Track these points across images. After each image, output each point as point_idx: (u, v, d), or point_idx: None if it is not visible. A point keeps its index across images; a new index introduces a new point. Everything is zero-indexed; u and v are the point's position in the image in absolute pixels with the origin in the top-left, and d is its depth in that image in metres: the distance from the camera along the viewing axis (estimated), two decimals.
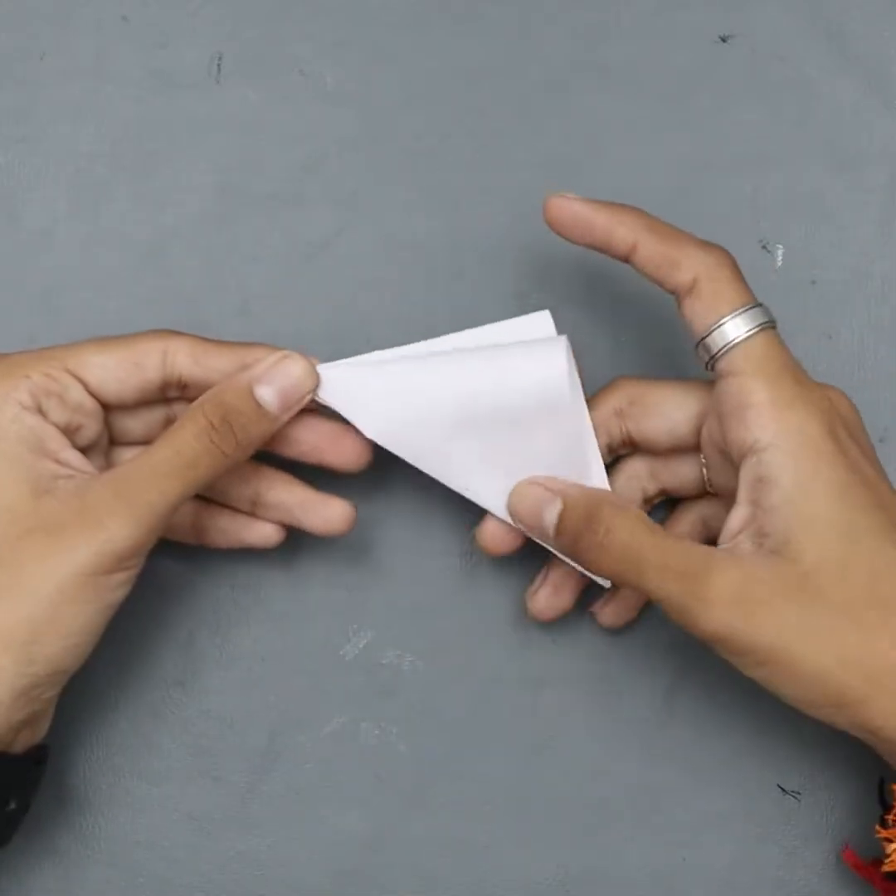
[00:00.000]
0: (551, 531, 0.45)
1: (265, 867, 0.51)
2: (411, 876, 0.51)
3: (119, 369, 0.45)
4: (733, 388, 0.44)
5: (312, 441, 0.47)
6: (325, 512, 0.47)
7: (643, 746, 0.51)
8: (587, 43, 0.54)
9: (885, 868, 0.44)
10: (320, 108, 0.53)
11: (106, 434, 0.47)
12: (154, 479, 0.43)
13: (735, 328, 0.44)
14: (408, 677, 0.51)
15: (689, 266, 0.44)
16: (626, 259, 0.45)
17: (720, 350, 0.44)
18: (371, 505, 0.51)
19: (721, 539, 0.44)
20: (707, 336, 0.44)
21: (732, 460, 0.44)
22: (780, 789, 0.51)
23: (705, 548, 0.43)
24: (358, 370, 0.46)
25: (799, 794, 0.51)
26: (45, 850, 0.50)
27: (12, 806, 0.44)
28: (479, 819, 0.51)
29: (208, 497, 0.49)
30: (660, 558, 0.43)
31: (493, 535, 0.47)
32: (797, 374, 0.44)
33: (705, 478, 0.47)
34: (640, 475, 0.49)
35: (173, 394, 0.46)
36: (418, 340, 0.52)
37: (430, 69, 0.54)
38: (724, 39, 0.54)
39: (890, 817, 0.44)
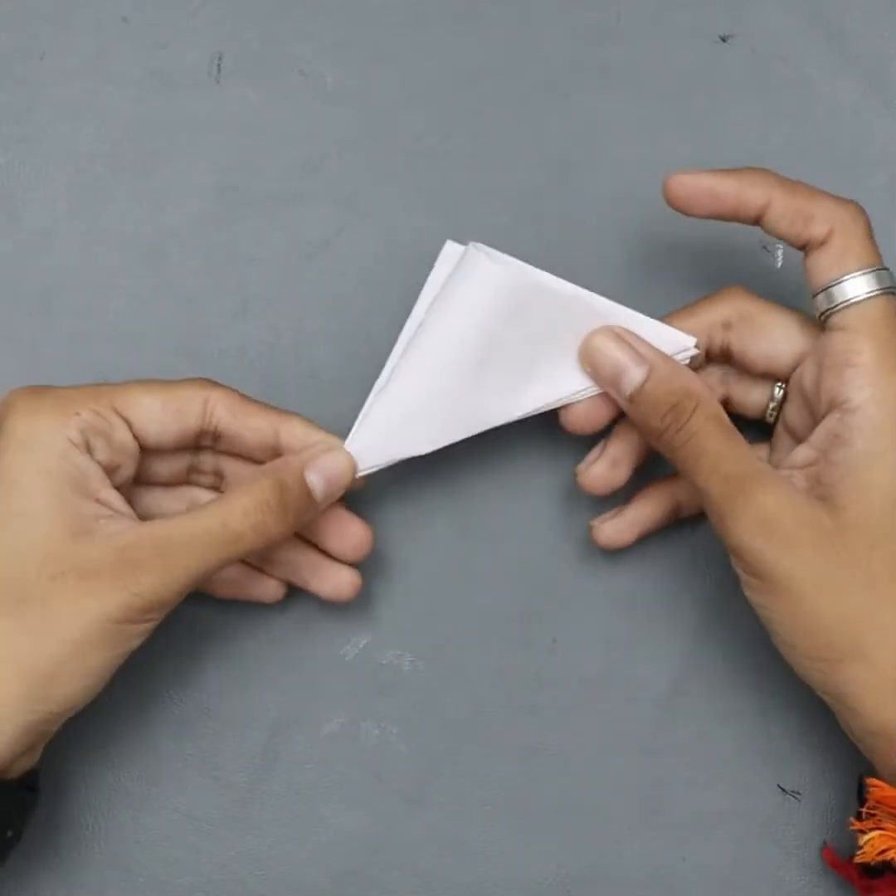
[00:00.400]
0: (626, 395, 0.45)
1: (265, 867, 0.51)
2: (411, 876, 0.51)
3: (163, 413, 0.45)
4: (841, 345, 0.44)
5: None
6: (335, 579, 0.48)
7: (643, 746, 0.51)
8: (587, 43, 0.54)
9: (858, 859, 0.44)
10: (320, 108, 0.53)
11: (134, 474, 0.47)
12: (196, 546, 0.43)
13: (857, 287, 0.44)
14: (408, 677, 0.51)
15: (824, 218, 0.44)
16: (756, 221, 0.45)
17: (838, 305, 0.44)
18: (371, 505, 0.51)
19: (781, 466, 0.45)
20: (829, 287, 0.44)
21: (816, 409, 0.44)
22: (780, 789, 0.51)
23: (762, 464, 0.44)
24: (366, 424, 0.47)
25: (799, 794, 0.51)
26: (45, 850, 0.50)
27: (9, 833, 0.44)
28: (479, 819, 0.51)
29: None
30: (717, 454, 0.43)
31: (578, 416, 0.47)
32: None
33: (770, 409, 0.48)
34: (712, 375, 0.49)
35: (206, 443, 0.47)
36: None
37: (430, 69, 0.54)
38: (724, 39, 0.54)
39: (863, 810, 0.44)
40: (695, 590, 0.52)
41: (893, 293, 0.44)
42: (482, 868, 0.51)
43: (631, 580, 0.52)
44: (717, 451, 0.44)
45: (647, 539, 0.51)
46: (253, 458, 0.47)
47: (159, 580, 0.42)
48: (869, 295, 0.43)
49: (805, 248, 0.45)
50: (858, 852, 0.44)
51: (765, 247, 0.53)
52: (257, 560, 0.49)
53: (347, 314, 0.53)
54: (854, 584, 0.42)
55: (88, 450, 0.44)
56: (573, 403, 0.47)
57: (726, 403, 0.49)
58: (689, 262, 0.53)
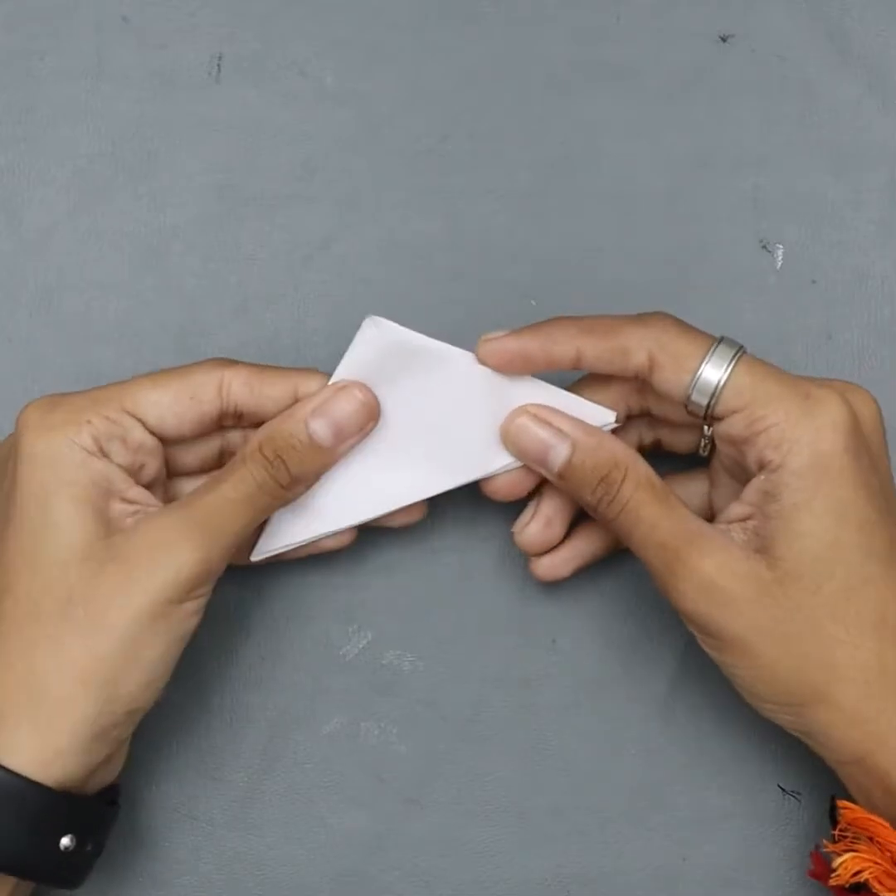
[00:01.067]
0: (554, 472, 0.45)
1: (265, 867, 0.51)
2: (411, 876, 0.51)
3: (176, 404, 0.45)
4: (741, 423, 0.43)
5: None
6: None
7: (643, 746, 0.51)
8: (587, 43, 0.54)
9: (832, 881, 0.44)
10: (320, 108, 0.53)
11: (164, 468, 0.47)
12: (220, 506, 0.44)
13: (713, 371, 0.43)
14: (408, 677, 0.51)
15: (637, 347, 0.44)
16: (576, 368, 0.45)
17: (713, 398, 0.43)
18: None
19: (718, 519, 0.45)
20: (692, 394, 0.44)
21: (744, 466, 0.44)
22: (780, 789, 0.51)
23: (697, 524, 0.44)
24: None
25: (799, 794, 0.51)
26: None
27: (89, 847, 0.44)
28: (479, 819, 0.51)
29: None
30: (650, 523, 0.43)
31: (502, 488, 0.47)
32: (801, 386, 0.43)
33: (702, 446, 0.47)
34: (639, 422, 0.48)
35: (229, 423, 0.47)
36: None
37: (430, 69, 0.54)
38: (724, 39, 0.54)
39: (836, 832, 0.44)
40: None
41: (744, 351, 0.44)
42: (482, 868, 0.51)
43: (631, 580, 0.52)
44: (650, 520, 0.43)
45: None
46: None
47: (194, 547, 0.43)
48: (729, 368, 0.43)
49: (639, 378, 0.45)
50: (833, 875, 0.44)
51: (765, 247, 0.53)
52: None
53: (347, 314, 0.52)
54: (801, 632, 0.42)
55: (105, 455, 0.44)
56: (496, 475, 0.47)
57: (658, 446, 0.49)
58: (689, 262, 0.53)
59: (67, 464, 0.43)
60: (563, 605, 0.51)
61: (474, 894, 0.50)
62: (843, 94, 0.54)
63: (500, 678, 0.51)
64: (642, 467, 0.44)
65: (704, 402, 0.44)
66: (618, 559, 0.51)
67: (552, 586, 0.51)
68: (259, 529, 0.47)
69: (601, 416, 0.46)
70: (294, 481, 0.45)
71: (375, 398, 0.46)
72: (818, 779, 0.51)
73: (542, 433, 0.45)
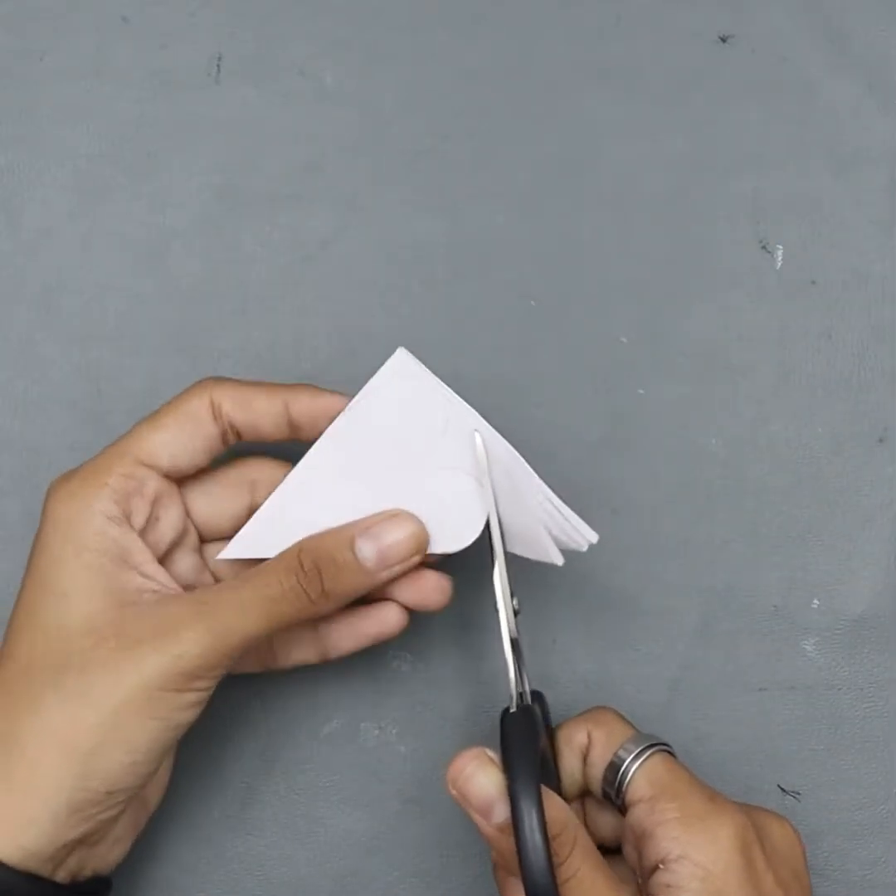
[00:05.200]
0: (496, 824, 0.42)
1: (265, 867, 0.51)
2: (411, 876, 0.51)
3: (180, 439, 0.45)
4: (643, 812, 0.43)
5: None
6: (422, 585, 0.46)
7: None
8: (587, 43, 0.54)
9: None
10: (320, 108, 0.53)
11: (193, 531, 0.47)
12: (236, 604, 0.43)
13: (624, 756, 0.44)
14: (407, 677, 0.51)
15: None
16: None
17: (621, 778, 0.44)
18: None
19: None
20: (607, 773, 0.45)
21: (645, 873, 0.44)
22: (780, 789, 0.51)
23: None
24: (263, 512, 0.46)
25: (799, 794, 0.51)
26: None
27: None
28: None
29: None
30: None
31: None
32: (708, 792, 0.44)
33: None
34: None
35: (231, 440, 0.46)
36: (416, 340, 0.52)
37: (430, 69, 0.54)
38: (724, 39, 0.54)
39: None
40: (695, 589, 0.52)
41: (667, 749, 0.45)
42: (482, 868, 0.51)
43: (631, 580, 0.52)
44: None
45: (646, 539, 0.51)
46: (279, 440, 0.47)
47: (199, 639, 0.42)
48: (645, 756, 0.44)
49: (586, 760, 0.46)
50: None
51: (765, 247, 0.53)
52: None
53: (347, 314, 0.53)
54: None
55: (127, 516, 0.44)
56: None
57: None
58: (689, 262, 0.53)
59: (85, 530, 0.43)
60: (563, 605, 0.51)
61: (474, 894, 0.50)
62: (843, 94, 0.54)
63: (500, 678, 0.51)
64: (587, 838, 0.43)
65: (616, 779, 0.44)
66: (618, 559, 0.51)
67: (552, 586, 0.51)
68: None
69: (586, 534, 0.46)
70: (324, 595, 0.44)
71: (426, 532, 0.45)
72: (818, 779, 0.51)
73: (492, 789, 0.42)
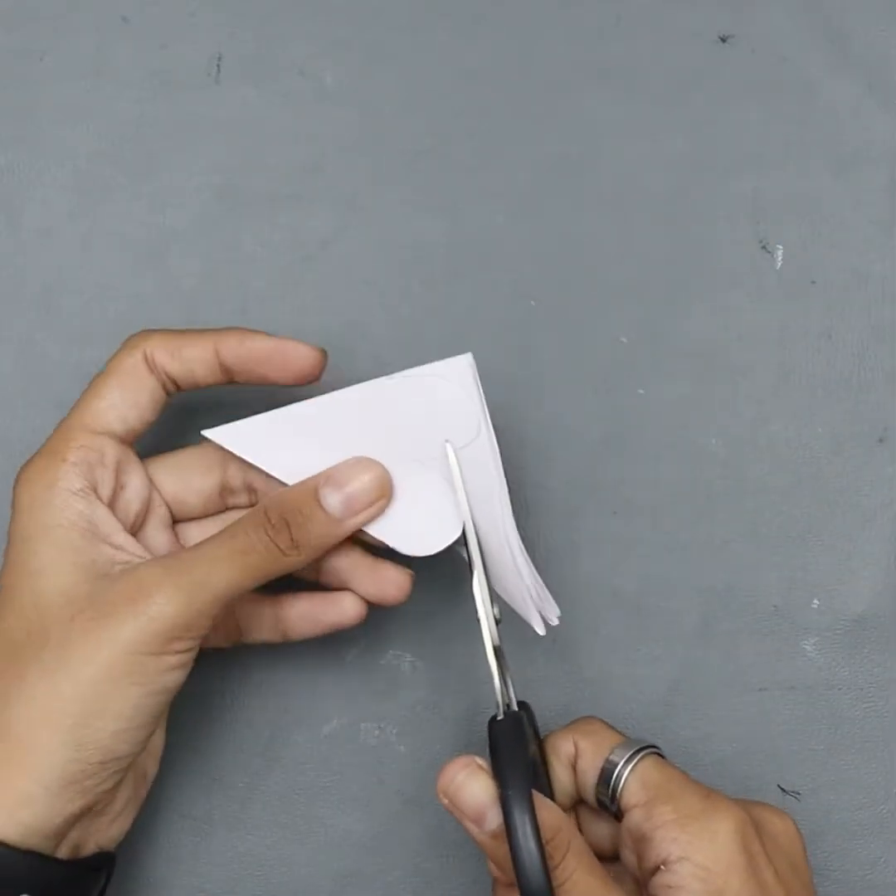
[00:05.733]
0: (489, 831, 0.42)
1: (265, 867, 0.51)
2: (411, 876, 0.51)
3: (126, 395, 0.45)
4: (640, 816, 0.43)
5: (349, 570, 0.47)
6: (380, 578, 0.47)
7: None
8: (587, 43, 0.54)
9: None
10: (320, 108, 0.53)
11: (164, 506, 0.47)
12: (207, 561, 0.43)
13: (615, 762, 0.44)
14: (407, 677, 0.51)
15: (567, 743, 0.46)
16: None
17: (614, 785, 0.44)
18: None
19: None
20: (599, 780, 0.45)
21: (645, 876, 0.43)
22: (780, 789, 0.51)
23: None
24: (270, 423, 0.46)
25: (799, 794, 0.51)
26: None
27: None
28: None
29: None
30: None
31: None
32: (703, 790, 0.44)
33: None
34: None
35: (171, 389, 0.46)
36: (416, 340, 0.52)
37: (430, 69, 0.54)
38: (724, 39, 0.54)
39: None
40: (695, 589, 0.52)
41: (657, 752, 0.45)
42: (482, 868, 0.51)
43: (631, 580, 0.52)
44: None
45: (646, 539, 0.51)
46: (215, 384, 0.46)
47: (171, 598, 0.42)
48: (637, 759, 0.44)
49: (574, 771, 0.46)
50: None
51: (765, 247, 0.53)
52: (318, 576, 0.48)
53: (347, 314, 0.53)
54: None
55: (93, 488, 0.44)
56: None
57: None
58: (689, 262, 0.53)
59: (51, 508, 0.43)
60: (562, 605, 0.51)
61: (474, 894, 0.50)
62: (843, 94, 0.54)
63: None
64: (581, 839, 0.43)
65: (611, 784, 0.44)
66: (618, 559, 0.51)
67: (552, 586, 0.51)
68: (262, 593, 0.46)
69: (550, 611, 0.46)
70: (295, 547, 0.44)
71: (389, 475, 0.45)
72: (818, 779, 0.51)
73: (483, 796, 0.42)
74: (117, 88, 0.53)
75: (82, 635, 0.42)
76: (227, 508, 0.48)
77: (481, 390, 0.45)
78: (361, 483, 0.44)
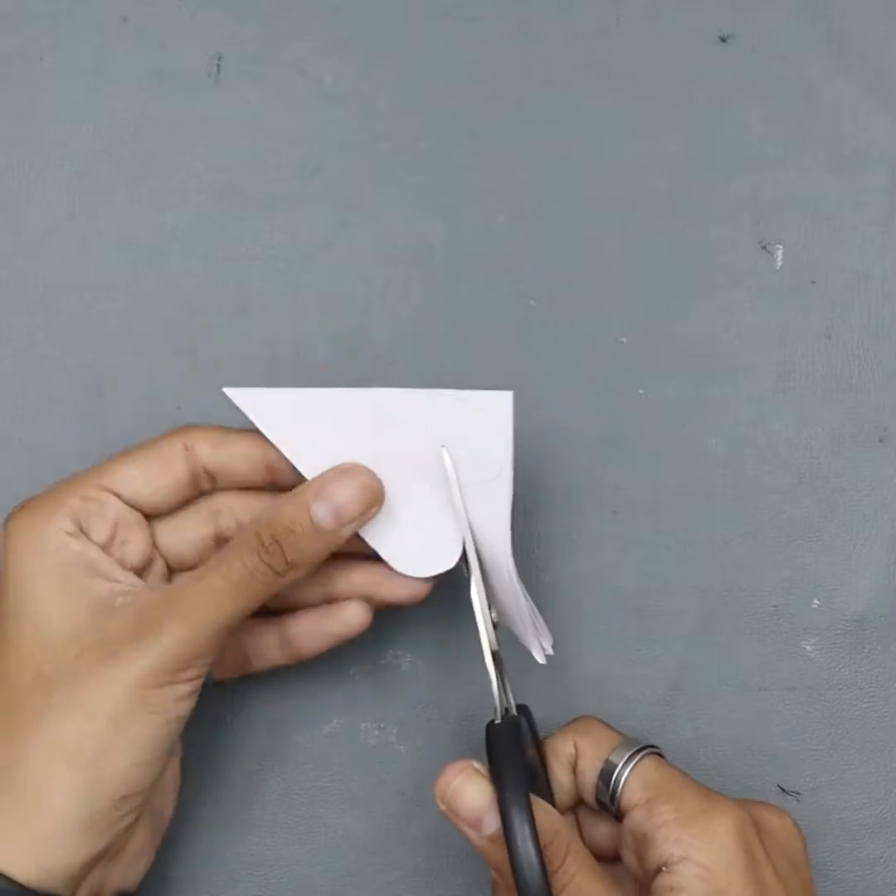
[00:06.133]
0: (488, 835, 0.42)
1: (265, 867, 0.51)
2: (411, 876, 0.51)
3: (146, 474, 0.45)
4: (641, 816, 0.43)
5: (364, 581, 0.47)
6: (404, 581, 0.46)
7: None
8: (587, 43, 0.54)
9: None
10: (320, 108, 0.53)
11: (160, 560, 0.46)
12: (207, 593, 0.42)
13: (615, 762, 0.44)
14: (407, 677, 0.51)
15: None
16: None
17: (615, 785, 0.44)
18: None
19: None
20: (599, 781, 0.45)
21: (647, 877, 0.43)
22: (780, 789, 0.51)
23: None
24: (291, 399, 0.45)
25: (799, 794, 0.51)
26: None
27: None
28: None
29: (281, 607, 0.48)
30: None
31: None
32: (703, 790, 0.44)
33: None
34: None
35: (206, 486, 0.46)
36: (417, 340, 0.52)
37: (430, 69, 0.54)
38: (724, 39, 0.54)
39: None
40: (695, 589, 0.52)
41: (657, 752, 0.45)
42: (482, 868, 0.50)
43: (631, 580, 0.52)
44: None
45: (646, 539, 0.51)
46: (256, 485, 0.46)
47: (177, 632, 0.42)
48: (637, 758, 0.44)
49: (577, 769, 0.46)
50: None
51: (765, 247, 0.53)
52: (321, 598, 0.47)
53: (347, 314, 0.53)
54: None
55: (84, 533, 0.44)
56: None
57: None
58: (689, 262, 0.53)
59: (47, 549, 0.43)
60: (563, 604, 0.51)
61: (474, 894, 0.50)
62: (843, 94, 0.54)
63: None
64: (580, 842, 0.43)
65: (610, 784, 0.44)
66: (618, 559, 0.51)
67: (553, 586, 0.51)
68: None
69: (546, 642, 0.46)
70: (291, 566, 0.43)
71: (378, 481, 0.44)
72: (818, 779, 0.51)
73: (481, 800, 0.42)
74: (117, 88, 0.53)
75: (89, 673, 0.41)
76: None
77: (512, 432, 0.44)
78: (351, 492, 0.44)
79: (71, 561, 0.43)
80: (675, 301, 0.53)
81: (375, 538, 0.45)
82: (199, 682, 0.43)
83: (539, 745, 0.47)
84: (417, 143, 0.53)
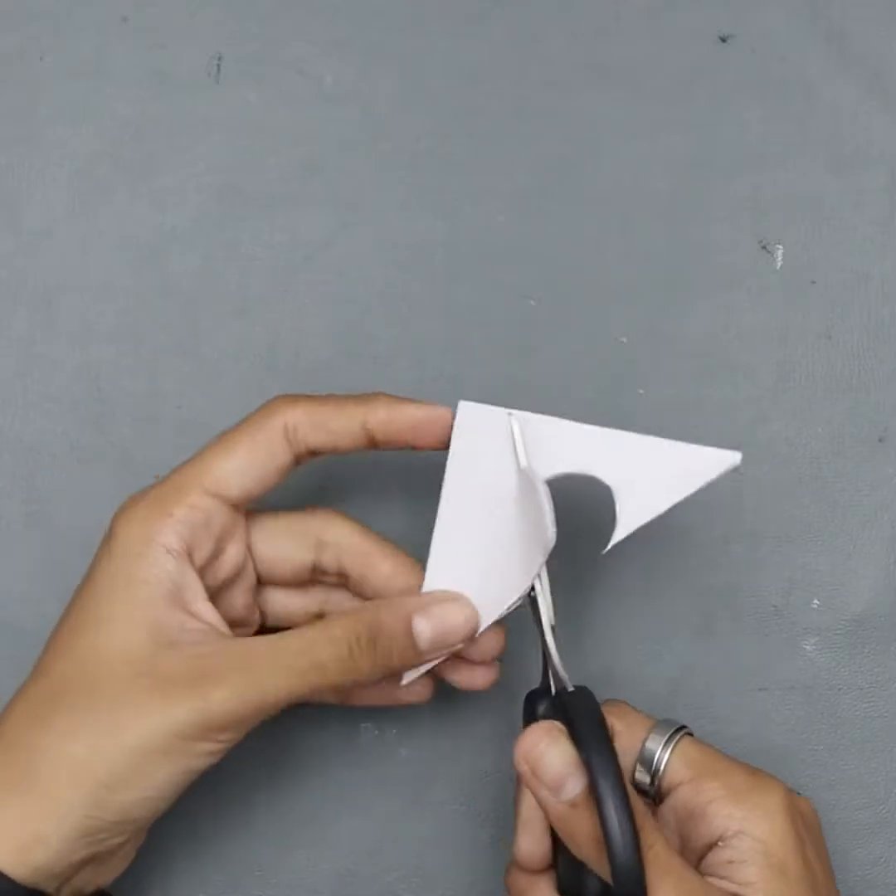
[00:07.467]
0: (568, 799, 0.41)
1: (265, 868, 0.51)
2: (411, 876, 0.51)
3: (252, 466, 0.44)
4: (688, 793, 0.43)
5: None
6: (471, 672, 0.47)
7: None
8: (587, 43, 0.54)
9: None
10: (320, 108, 0.53)
11: (252, 571, 0.46)
12: (276, 666, 0.42)
13: (655, 743, 0.44)
14: None
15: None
16: None
17: (656, 765, 0.44)
18: (369, 511, 0.51)
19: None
20: (638, 762, 0.44)
21: (694, 854, 0.43)
22: None
23: (668, 858, 0.42)
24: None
25: (799, 794, 0.51)
26: None
27: None
28: (478, 820, 0.51)
29: None
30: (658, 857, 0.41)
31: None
32: (746, 767, 0.44)
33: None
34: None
35: (306, 459, 0.45)
36: (416, 340, 0.52)
37: (430, 69, 0.54)
38: (724, 39, 0.54)
39: None
40: (695, 589, 0.52)
41: (690, 733, 0.45)
42: (482, 868, 0.51)
43: (632, 580, 0.52)
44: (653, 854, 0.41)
45: (646, 539, 0.51)
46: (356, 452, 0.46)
47: (229, 697, 0.41)
48: (675, 740, 0.44)
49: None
50: None
51: (765, 247, 0.53)
52: None
53: (347, 314, 0.53)
54: None
55: (189, 552, 0.43)
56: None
57: None
58: (689, 262, 0.53)
59: (140, 559, 0.42)
60: (562, 605, 0.51)
61: (474, 894, 0.50)
62: (843, 94, 0.54)
63: (501, 678, 0.51)
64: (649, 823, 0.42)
65: (652, 767, 0.44)
66: (618, 559, 0.51)
67: (552, 586, 0.51)
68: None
69: (727, 458, 0.43)
70: (373, 669, 0.43)
71: (479, 617, 0.45)
72: (818, 779, 0.51)
73: (563, 764, 0.42)
74: (117, 88, 0.53)
75: (135, 704, 0.41)
76: (314, 582, 0.47)
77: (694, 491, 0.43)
78: (456, 621, 0.44)
79: (159, 582, 0.42)
80: (675, 301, 0.53)
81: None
82: (231, 746, 0.42)
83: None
84: (417, 143, 0.53)
